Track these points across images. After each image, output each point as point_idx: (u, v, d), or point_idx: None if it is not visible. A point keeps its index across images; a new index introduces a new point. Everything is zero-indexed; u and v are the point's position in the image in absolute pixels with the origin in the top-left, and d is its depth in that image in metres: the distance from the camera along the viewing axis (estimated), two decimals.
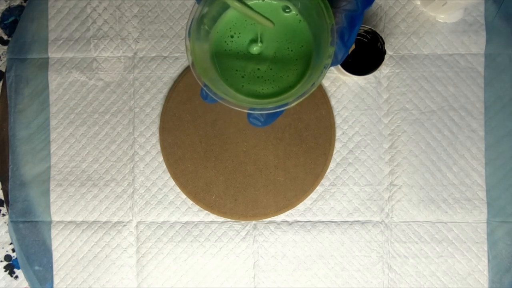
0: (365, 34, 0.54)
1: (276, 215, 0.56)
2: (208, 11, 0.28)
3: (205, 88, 0.27)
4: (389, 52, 0.57)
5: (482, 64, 0.56)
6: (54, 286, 0.57)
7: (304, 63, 0.30)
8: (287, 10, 0.29)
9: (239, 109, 0.27)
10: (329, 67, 0.26)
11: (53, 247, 0.57)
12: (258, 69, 0.30)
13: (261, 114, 0.28)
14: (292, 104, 0.27)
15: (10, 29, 0.60)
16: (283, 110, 0.27)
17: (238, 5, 0.27)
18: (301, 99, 0.27)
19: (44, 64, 0.58)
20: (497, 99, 0.56)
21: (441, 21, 0.56)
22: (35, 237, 0.57)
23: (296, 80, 0.29)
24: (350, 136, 0.57)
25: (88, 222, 0.57)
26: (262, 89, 0.29)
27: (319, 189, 0.56)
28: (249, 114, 0.28)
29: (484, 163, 0.56)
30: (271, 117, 0.28)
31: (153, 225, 0.57)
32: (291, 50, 0.30)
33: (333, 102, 0.57)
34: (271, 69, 0.30)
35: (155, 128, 0.58)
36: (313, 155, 0.56)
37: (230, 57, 0.30)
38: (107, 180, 0.57)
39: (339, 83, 0.57)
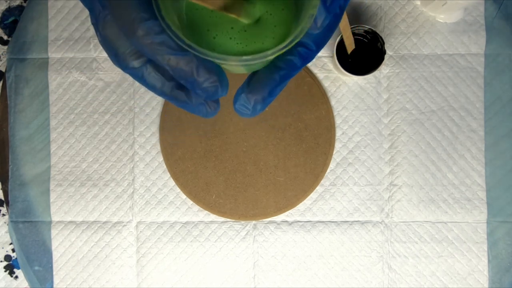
0: (365, 34, 0.54)
1: (276, 215, 0.56)
2: None
3: (173, 36, 0.23)
4: (389, 52, 0.57)
5: (482, 64, 0.56)
6: (54, 286, 0.57)
7: (283, 29, 0.27)
8: None
9: (217, 61, 0.24)
10: (312, 21, 0.24)
11: (53, 247, 0.57)
12: (232, 28, 0.27)
13: (248, 99, 0.25)
14: (271, 56, 0.24)
15: (10, 29, 0.60)
16: (280, 85, 0.25)
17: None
18: (281, 51, 0.24)
19: (44, 64, 0.58)
20: (497, 99, 0.56)
21: (441, 21, 0.57)
22: (35, 237, 0.57)
23: (273, 46, 0.26)
24: (350, 136, 0.57)
25: (88, 222, 0.57)
26: (236, 50, 0.27)
27: (319, 189, 0.56)
28: (235, 101, 0.25)
29: (484, 163, 0.56)
30: (261, 103, 0.25)
31: (153, 225, 0.57)
32: (270, 14, 0.27)
33: (333, 102, 0.57)
34: (245, 30, 0.27)
35: (155, 128, 0.58)
36: (313, 155, 0.56)
37: (203, 16, 0.27)
38: (107, 180, 0.57)
39: (339, 83, 0.57)
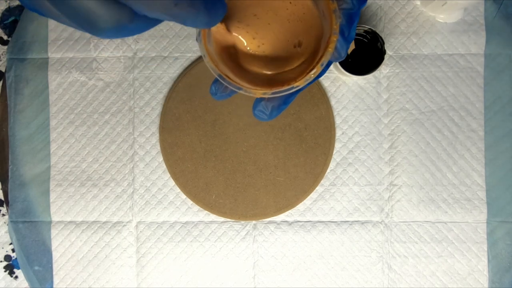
0: (365, 34, 0.54)
1: (276, 215, 0.56)
2: None
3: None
4: (389, 52, 0.57)
5: (481, 64, 0.56)
6: (54, 286, 0.57)
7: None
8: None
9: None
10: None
11: (53, 247, 0.57)
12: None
13: (266, 106, 0.28)
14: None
15: (10, 29, 0.60)
16: (294, 95, 0.28)
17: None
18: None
19: (44, 64, 0.58)
20: (497, 99, 0.56)
21: (441, 21, 0.57)
22: (35, 237, 0.57)
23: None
24: (350, 136, 0.57)
25: (88, 222, 0.57)
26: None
27: (319, 189, 0.56)
28: (254, 106, 0.29)
29: (484, 163, 0.56)
30: (277, 110, 0.29)
31: (153, 225, 0.57)
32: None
33: (333, 102, 0.57)
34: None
35: (155, 128, 0.58)
36: (313, 155, 0.56)
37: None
38: (107, 180, 0.57)
39: (339, 83, 0.57)
